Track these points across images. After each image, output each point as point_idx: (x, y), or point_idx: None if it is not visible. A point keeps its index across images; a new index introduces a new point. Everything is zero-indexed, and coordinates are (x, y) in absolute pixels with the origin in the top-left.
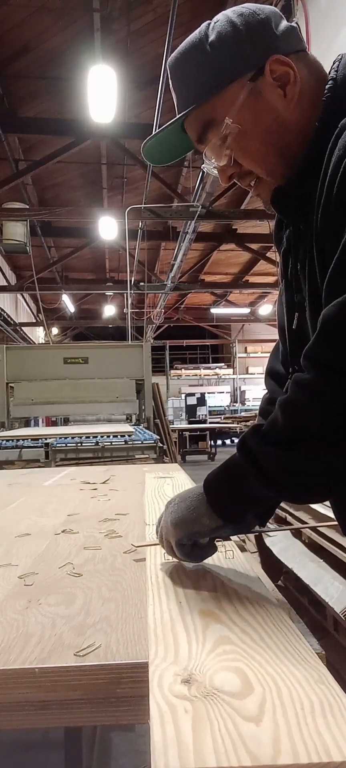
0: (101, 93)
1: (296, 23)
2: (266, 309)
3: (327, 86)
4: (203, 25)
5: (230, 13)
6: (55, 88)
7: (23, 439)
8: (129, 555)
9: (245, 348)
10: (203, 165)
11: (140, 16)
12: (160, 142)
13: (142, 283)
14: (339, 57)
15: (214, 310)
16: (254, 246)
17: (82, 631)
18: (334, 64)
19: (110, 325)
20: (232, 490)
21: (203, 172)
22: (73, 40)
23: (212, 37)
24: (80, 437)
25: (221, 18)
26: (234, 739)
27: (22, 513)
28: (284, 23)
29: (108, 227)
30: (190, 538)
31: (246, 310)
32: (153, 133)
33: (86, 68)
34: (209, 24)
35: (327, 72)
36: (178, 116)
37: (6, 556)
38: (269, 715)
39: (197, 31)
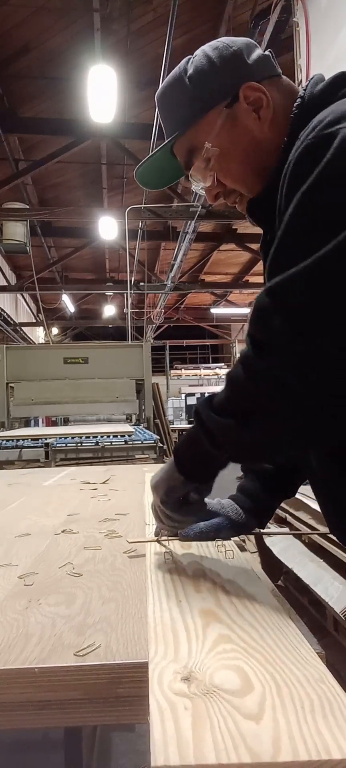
0: (101, 93)
1: (268, 51)
2: None
3: (295, 104)
4: (183, 61)
5: (206, 47)
6: (55, 88)
7: (23, 439)
8: (129, 554)
9: None
10: (192, 186)
11: (140, 16)
12: (153, 168)
13: (142, 283)
14: (311, 77)
15: (214, 310)
16: (254, 246)
17: (82, 631)
18: (306, 84)
19: (110, 325)
20: (192, 452)
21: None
22: (73, 40)
23: (190, 71)
24: (80, 437)
25: (198, 53)
26: (234, 737)
27: (22, 513)
28: (257, 52)
29: (108, 227)
30: (168, 494)
31: (246, 310)
32: (155, 132)
33: (86, 68)
34: (188, 59)
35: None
36: (163, 144)
37: (6, 556)
38: (269, 713)
39: (177, 66)
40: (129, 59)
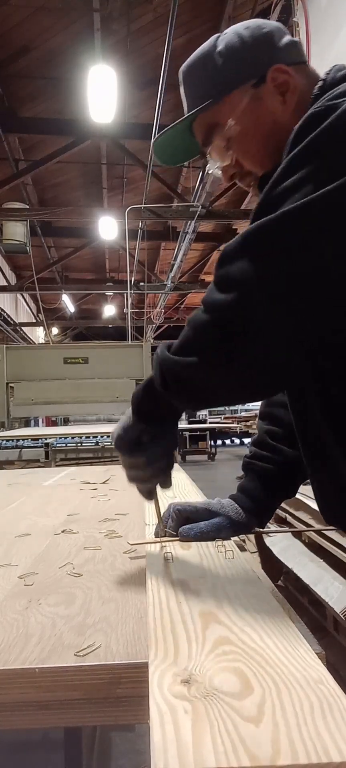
0: (101, 93)
1: (297, 37)
2: None
3: (317, 86)
4: (213, 37)
5: (237, 26)
6: (55, 88)
7: (23, 439)
8: (129, 555)
9: None
10: (208, 165)
11: (140, 16)
12: (169, 143)
13: (142, 283)
14: (334, 65)
15: None
16: None
17: (82, 631)
18: (328, 69)
19: (110, 325)
20: (144, 392)
21: (203, 172)
22: (73, 40)
23: (220, 47)
24: (80, 437)
25: (229, 31)
26: (233, 740)
27: (22, 513)
28: (287, 38)
29: (108, 227)
30: (122, 436)
31: None
32: (155, 132)
33: (86, 68)
34: (218, 36)
35: None
36: (186, 116)
37: (6, 556)
38: (269, 716)
39: (207, 42)
40: (129, 59)
